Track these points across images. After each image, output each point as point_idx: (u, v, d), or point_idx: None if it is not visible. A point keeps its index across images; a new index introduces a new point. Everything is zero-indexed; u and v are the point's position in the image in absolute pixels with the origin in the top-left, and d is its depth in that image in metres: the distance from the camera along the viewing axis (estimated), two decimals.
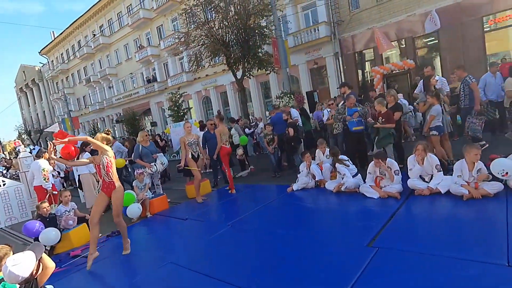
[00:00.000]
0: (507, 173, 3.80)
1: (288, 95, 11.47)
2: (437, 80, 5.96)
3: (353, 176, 5.12)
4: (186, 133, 6.28)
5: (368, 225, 3.70)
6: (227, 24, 12.99)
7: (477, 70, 10.11)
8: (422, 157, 4.39)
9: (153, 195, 6.41)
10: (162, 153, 7.20)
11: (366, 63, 15.24)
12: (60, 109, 35.56)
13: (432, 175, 4.40)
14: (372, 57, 15.02)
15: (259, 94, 19.34)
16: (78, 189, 7.80)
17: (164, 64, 24.51)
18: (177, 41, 16.08)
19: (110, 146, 4.17)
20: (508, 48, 11.71)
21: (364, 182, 4.92)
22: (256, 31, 13.28)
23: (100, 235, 5.00)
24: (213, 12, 13.25)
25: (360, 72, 15.56)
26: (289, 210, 4.98)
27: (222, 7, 12.89)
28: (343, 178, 5.24)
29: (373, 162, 4.79)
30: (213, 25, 13.16)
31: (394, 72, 13.48)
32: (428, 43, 13.59)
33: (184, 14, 13.52)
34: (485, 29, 11.83)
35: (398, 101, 6.13)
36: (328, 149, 5.78)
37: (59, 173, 9.12)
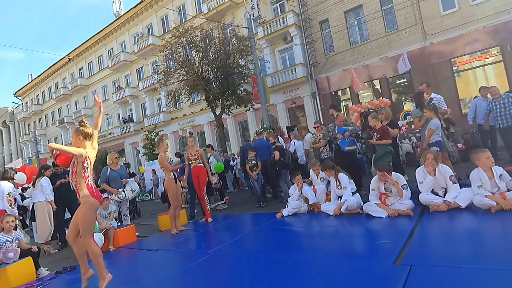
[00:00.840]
0: None
1: (268, 130, 11.15)
2: (430, 97, 5.76)
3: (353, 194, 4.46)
4: (161, 152, 5.47)
5: (386, 244, 2.97)
6: (207, 62, 13.06)
7: (450, 106, 10.42)
8: (434, 167, 3.85)
9: (118, 225, 5.32)
10: (133, 179, 6.22)
11: (342, 102, 15.60)
12: (29, 150, 33.32)
13: (445, 189, 3.85)
14: (348, 96, 15.45)
15: (237, 133, 18.97)
16: (31, 221, 6.44)
17: (141, 104, 24.03)
18: (155, 78, 15.95)
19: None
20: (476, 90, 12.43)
21: (364, 201, 4.25)
22: (235, 69, 13.42)
23: (48, 271, 4.18)
24: (193, 51, 13.37)
25: None
26: (283, 234, 4.13)
27: (203, 46, 13.07)
28: (341, 198, 4.56)
29: (375, 177, 4.19)
30: (193, 63, 13.17)
31: (370, 110, 13.76)
32: (401, 83, 14.27)
33: (164, 50, 13.48)
34: (454, 70, 12.63)
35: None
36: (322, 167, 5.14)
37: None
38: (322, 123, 6.99)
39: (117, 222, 5.52)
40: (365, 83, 13.42)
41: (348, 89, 15.18)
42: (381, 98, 13.87)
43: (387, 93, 14.01)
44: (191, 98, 14.82)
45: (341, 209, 4.35)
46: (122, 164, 6.89)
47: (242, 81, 13.82)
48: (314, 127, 7.24)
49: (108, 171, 5.61)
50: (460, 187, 3.81)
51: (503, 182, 3.46)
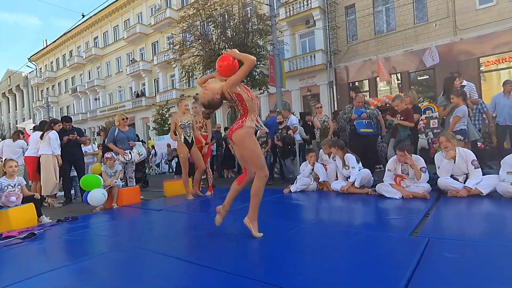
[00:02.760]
0: None
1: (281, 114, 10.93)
2: (462, 84, 5.39)
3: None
4: (180, 113, 5.29)
5: (401, 220, 2.84)
6: (224, 39, 12.78)
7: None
8: (451, 150, 3.63)
9: (123, 185, 5.31)
10: (140, 143, 6.14)
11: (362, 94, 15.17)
12: (41, 116, 33.89)
13: (466, 175, 3.62)
14: (366, 89, 15.00)
15: None
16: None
17: (155, 79, 23.97)
18: (170, 54, 15.75)
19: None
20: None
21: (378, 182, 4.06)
22: (253, 49, 13.10)
23: (50, 220, 4.16)
24: (211, 26, 13.09)
25: None
26: (290, 207, 4.02)
27: (222, 22, 12.78)
28: (348, 179, 4.38)
29: (394, 157, 3.98)
30: (210, 39, 12.91)
31: (388, 104, 13.32)
32: (423, 80, 13.74)
33: (182, 23, 13.24)
34: (481, 70, 12.06)
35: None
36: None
37: None
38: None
39: (122, 182, 5.48)
40: (390, 75, 12.99)
41: (366, 81, 14.73)
42: (401, 93, 13.41)
43: (408, 88, 13.50)
44: (205, 75, 14.55)
45: (355, 184, 4.19)
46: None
47: (259, 63, 13.51)
48: (316, 108, 7.03)
49: (116, 132, 5.51)
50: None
51: None
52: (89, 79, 29.15)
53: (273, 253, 2.24)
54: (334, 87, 15.39)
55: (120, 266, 2.26)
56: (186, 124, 5.22)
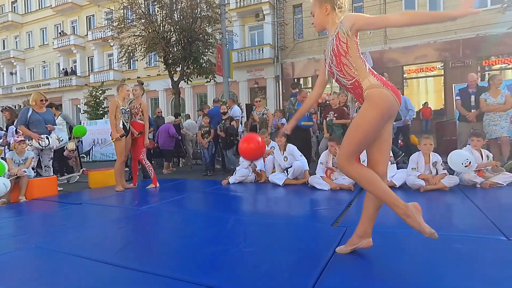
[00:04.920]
0: (470, 162, 3.64)
1: (226, 105, 10.89)
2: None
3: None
4: (120, 98, 4.81)
5: (326, 211, 3.07)
6: (170, 21, 12.13)
7: None
8: None
9: (35, 176, 4.67)
10: (61, 127, 5.50)
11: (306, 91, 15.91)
12: None
13: None
14: (309, 85, 15.75)
15: (194, 104, 18.30)
16: None
17: (89, 57, 21.69)
18: (108, 30, 14.39)
19: None
20: (418, 99, 13.55)
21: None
22: (201, 36, 12.72)
23: None
24: (156, 5, 12.30)
25: None
26: (227, 198, 4.04)
27: (168, 3, 12.09)
28: (286, 172, 4.59)
29: (326, 151, 4.28)
30: (154, 19, 12.12)
31: (327, 102, 14.19)
32: None
33: None
34: (404, 77, 13.57)
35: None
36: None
37: None
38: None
39: (34, 173, 4.78)
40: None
41: (310, 78, 15.46)
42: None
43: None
44: (147, 58, 13.66)
45: (288, 176, 4.41)
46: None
47: (206, 50, 13.17)
48: (255, 102, 7.24)
49: (30, 112, 4.77)
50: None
51: (435, 169, 3.76)
52: (4, 49, 25.03)
53: (200, 247, 2.24)
54: (280, 81, 15.84)
55: (17, 269, 1.98)
56: (126, 110, 4.84)
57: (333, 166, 4.23)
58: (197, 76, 13.52)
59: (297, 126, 5.64)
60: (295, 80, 15.84)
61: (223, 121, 6.50)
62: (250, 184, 4.85)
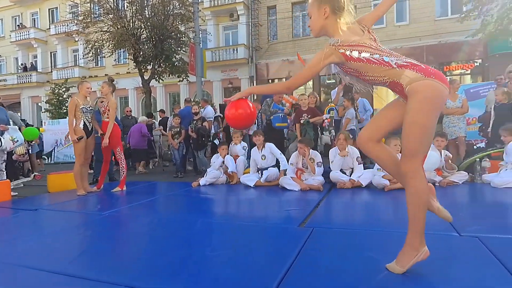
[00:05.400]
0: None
1: (198, 105, 10.72)
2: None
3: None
4: (80, 96, 4.53)
5: (294, 212, 3.09)
6: (141, 18, 11.73)
7: None
8: (344, 147, 4.14)
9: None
10: (16, 127, 5.12)
11: None
12: None
13: (352, 169, 4.18)
14: None
15: (166, 104, 17.83)
16: None
17: (52, 53, 20.42)
18: (73, 25, 13.62)
19: None
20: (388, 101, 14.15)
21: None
22: (173, 34, 12.43)
23: None
24: (126, 1, 11.85)
25: None
26: (197, 201, 3.96)
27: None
28: (260, 172, 4.59)
29: (296, 152, 4.31)
30: (123, 15, 11.66)
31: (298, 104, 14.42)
32: (331, 83, 15.30)
33: None
34: None
35: None
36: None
37: None
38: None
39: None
40: None
41: (284, 79, 15.59)
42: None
43: (317, 89, 14.87)
44: (116, 55, 13.12)
45: (261, 180, 4.40)
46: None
47: (179, 49, 12.89)
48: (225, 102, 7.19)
49: None
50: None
51: None
52: None
53: (163, 253, 2.15)
54: (255, 82, 15.85)
55: None
56: (88, 109, 4.58)
57: (303, 167, 4.27)
58: (169, 75, 13.20)
59: (271, 127, 5.74)
60: (270, 81, 15.95)
61: (195, 121, 6.37)
62: (221, 186, 4.78)
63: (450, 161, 4.04)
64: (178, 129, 6.43)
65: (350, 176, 4.10)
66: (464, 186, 3.90)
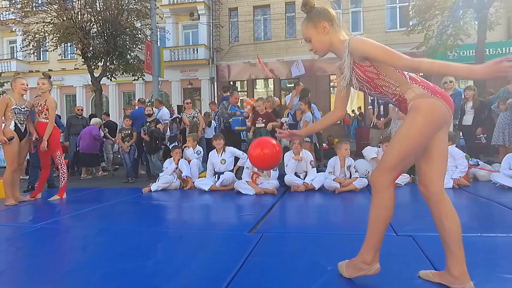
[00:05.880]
0: (368, 172, 4.04)
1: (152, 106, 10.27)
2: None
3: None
4: (15, 95, 4.02)
5: (246, 217, 3.04)
6: (91, 11, 10.92)
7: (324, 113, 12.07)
8: (298, 151, 4.20)
9: None
10: None
11: (239, 93, 15.94)
12: None
13: (306, 172, 4.24)
14: (245, 89, 15.93)
15: (119, 104, 16.84)
16: None
17: None
18: (10, 12, 12.25)
19: None
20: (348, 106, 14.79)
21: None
22: (128, 30, 11.80)
23: None
24: None
25: None
26: (148, 208, 3.72)
27: None
28: (216, 176, 4.47)
29: None
30: (70, 6, 10.75)
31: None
32: (291, 88, 15.64)
33: None
34: (331, 85, 14.69)
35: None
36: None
37: None
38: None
39: None
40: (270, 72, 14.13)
41: (245, 82, 15.64)
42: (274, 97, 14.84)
43: (278, 93, 15.11)
44: (61, 49, 12.05)
45: (216, 184, 4.30)
46: None
47: (134, 46, 12.26)
48: (185, 103, 7.05)
49: None
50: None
51: (349, 172, 4.06)
52: None
53: (97, 267, 1.94)
54: (216, 83, 15.64)
55: None
56: (22, 109, 4.04)
57: (258, 171, 4.23)
58: (122, 73, 12.48)
59: (229, 129, 5.65)
60: (231, 83, 15.86)
61: (148, 123, 6.04)
62: (174, 191, 4.56)
63: None
64: (130, 131, 6.06)
65: (304, 179, 4.15)
66: (406, 187, 4.13)
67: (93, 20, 11.01)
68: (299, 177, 4.20)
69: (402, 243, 2.13)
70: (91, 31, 11.15)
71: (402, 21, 13.48)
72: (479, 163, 4.60)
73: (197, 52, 15.20)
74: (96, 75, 11.76)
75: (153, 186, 4.54)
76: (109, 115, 8.86)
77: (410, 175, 4.40)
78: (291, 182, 4.08)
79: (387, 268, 1.64)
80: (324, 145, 8.93)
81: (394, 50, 1.39)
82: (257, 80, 15.59)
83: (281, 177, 4.30)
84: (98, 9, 10.95)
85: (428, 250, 1.94)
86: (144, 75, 12.58)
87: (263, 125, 5.21)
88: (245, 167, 4.25)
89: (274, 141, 1.80)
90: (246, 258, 1.93)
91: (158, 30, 12.63)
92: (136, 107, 7.41)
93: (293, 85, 15.41)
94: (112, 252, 2.18)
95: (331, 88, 14.85)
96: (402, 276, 1.63)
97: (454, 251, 1.42)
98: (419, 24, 10.85)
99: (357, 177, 3.97)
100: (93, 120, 7.41)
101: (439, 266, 1.66)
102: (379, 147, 4.56)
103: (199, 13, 15.16)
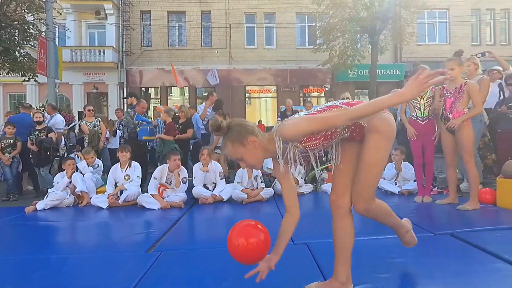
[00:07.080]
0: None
1: (42, 113, 8.95)
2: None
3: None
4: None
5: (147, 235, 2.91)
6: None
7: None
8: (207, 162, 4.24)
9: None
10: None
11: (151, 100, 15.16)
12: None
13: (215, 184, 4.31)
14: (158, 96, 15.25)
15: (5, 108, 14.11)
16: None
17: None
18: None
19: None
20: (259, 116, 15.42)
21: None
22: (17, 23, 10.11)
23: None
24: None
25: None
26: (29, 230, 3.26)
27: None
28: (119, 193, 4.15)
29: (162, 166, 4.16)
30: None
31: (176, 114, 14.11)
32: (206, 95, 15.67)
33: None
34: (246, 96, 15.28)
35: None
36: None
37: None
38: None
39: None
40: (184, 81, 13.82)
41: (159, 88, 15.00)
42: (187, 106, 14.60)
43: (194, 101, 14.92)
44: None
45: (119, 202, 3.99)
46: None
47: (25, 42, 10.54)
48: (86, 110, 6.43)
49: None
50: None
51: (256, 182, 4.26)
52: None
53: None
54: (125, 88, 14.54)
55: None
56: None
57: (166, 183, 4.11)
58: (8, 72, 10.58)
59: (136, 140, 5.32)
60: (143, 89, 15.00)
61: (37, 132, 5.24)
62: (66, 209, 4.05)
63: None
64: (12, 141, 5.15)
65: (212, 191, 4.20)
66: (309, 195, 4.46)
67: None
68: (208, 188, 4.24)
69: (297, 251, 2.20)
70: None
71: (310, 39, 14.94)
72: None
73: (103, 54, 13.93)
74: None
75: (40, 204, 3.94)
76: None
77: (313, 184, 4.76)
78: (199, 194, 4.08)
79: (279, 276, 1.71)
80: None
81: (326, 114, 1.37)
82: (172, 87, 15.12)
83: (190, 189, 4.25)
84: None
85: (320, 257, 2.04)
86: (37, 76, 10.87)
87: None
88: (152, 177, 4.06)
89: (260, 225, 1.52)
90: (138, 282, 1.84)
91: (56, 26, 11.18)
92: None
93: (206, 94, 15.52)
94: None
95: (247, 99, 15.47)
96: (290, 281, 1.73)
97: (345, 260, 1.52)
98: (324, 44, 12.25)
99: (263, 187, 4.20)
100: None
101: (327, 274, 1.73)
102: None
103: (106, 12, 13.96)
